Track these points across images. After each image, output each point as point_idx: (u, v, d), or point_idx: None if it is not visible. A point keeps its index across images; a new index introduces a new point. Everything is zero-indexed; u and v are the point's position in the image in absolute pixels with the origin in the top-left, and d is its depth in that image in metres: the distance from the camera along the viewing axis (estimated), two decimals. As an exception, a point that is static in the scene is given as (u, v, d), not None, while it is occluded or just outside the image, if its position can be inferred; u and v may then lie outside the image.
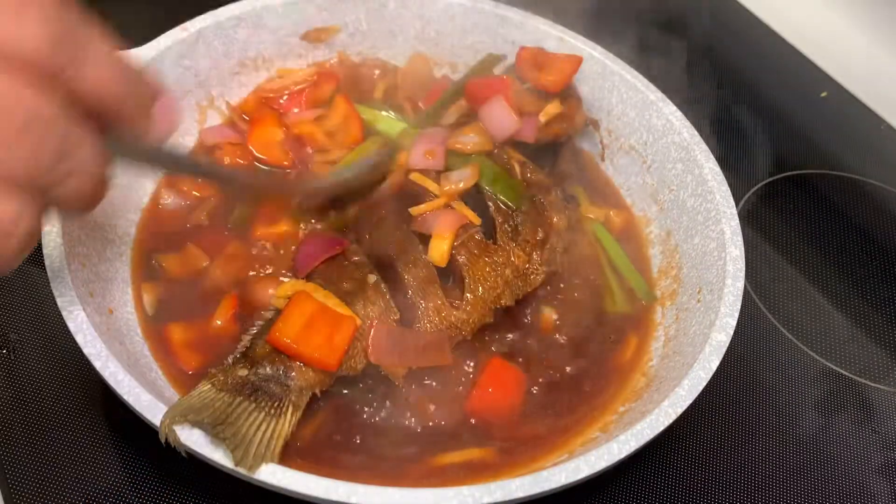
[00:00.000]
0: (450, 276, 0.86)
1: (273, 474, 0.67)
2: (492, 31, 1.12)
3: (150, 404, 0.69)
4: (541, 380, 0.88)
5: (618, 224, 1.05)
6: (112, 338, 0.78)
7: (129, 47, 0.96)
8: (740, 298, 0.85)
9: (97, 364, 0.72)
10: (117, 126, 0.57)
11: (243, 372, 0.75)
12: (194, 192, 0.99)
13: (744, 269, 0.88)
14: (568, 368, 0.90)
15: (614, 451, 0.72)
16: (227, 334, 0.85)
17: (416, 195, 0.90)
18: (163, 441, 0.68)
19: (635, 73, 1.07)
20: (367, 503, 0.66)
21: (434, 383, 0.84)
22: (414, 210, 0.88)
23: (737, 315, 0.84)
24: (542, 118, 1.01)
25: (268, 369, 0.76)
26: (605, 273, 0.99)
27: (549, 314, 0.92)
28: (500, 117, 0.96)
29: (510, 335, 0.90)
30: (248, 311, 0.86)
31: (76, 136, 0.54)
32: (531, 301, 0.92)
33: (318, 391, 0.78)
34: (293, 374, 0.76)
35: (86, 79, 0.54)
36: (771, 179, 1.21)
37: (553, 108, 1.01)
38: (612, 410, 0.87)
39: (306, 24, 1.11)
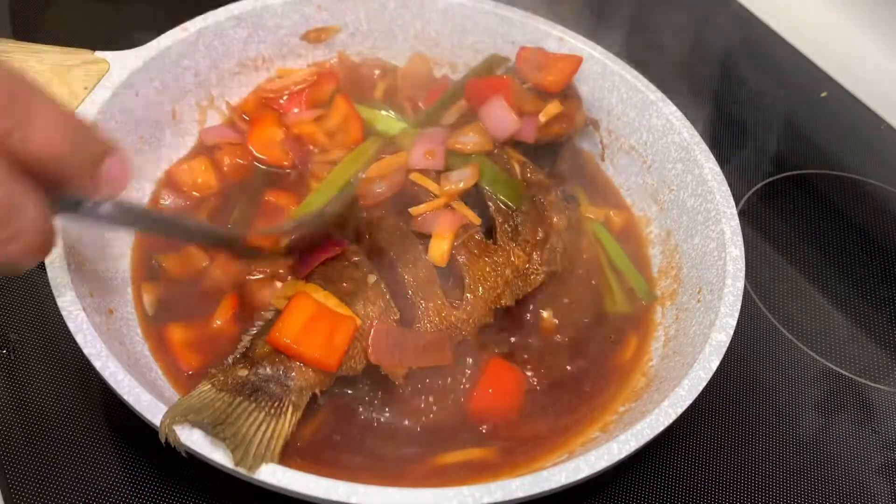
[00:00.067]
0: (450, 276, 0.86)
1: (273, 474, 0.67)
2: (492, 31, 1.13)
3: (150, 404, 0.69)
4: (541, 380, 0.88)
5: (618, 224, 1.05)
6: (112, 338, 0.78)
7: (130, 47, 0.97)
8: (740, 298, 0.85)
9: (97, 364, 0.72)
10: (65, 186, 0.57)
11: (243, 372, 0.75)
12: (194, 193, 0.99)
13: (744, 269, 0.88)
14: (568, 368, 0.90)
15: (614, 451, 0.72)
16: (227, 334, 0.85)
17: (416, 195, 0.90)
18: (163, 441, 0.68)
19: (635, 73, 1.07)
20: (367, 503, 0.66)
21: (434, 383, 0.84)
22: (414, 210, 0.88)
23: (737, 315, 0.84)
24: (542, 118, 1.01)
25: (268, 369, 0.76)
26: (605, 273, 0.99)
27: (549, 314, 0.92)
28: (500, 117, 0.96)
29: (510, 335, 0.90)
30: (248, 312, 0.86)
31: (20, 199, 0.53)
32: (531, 301, 0.92)
33: (318, 391, 0.78)
34: (293, 374, 0.76)
35: (31, 141, 0.53)
36: (771, 179, 1.21)
37: (553, 108, 1.01)
38: (612, 410, 0.87)
39: (306, 24, 1.11)
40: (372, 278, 0.84)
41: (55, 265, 0.77)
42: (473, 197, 0.90)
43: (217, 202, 0.98)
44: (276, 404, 0.74)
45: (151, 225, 0.72)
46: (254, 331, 0.80)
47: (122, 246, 0.92)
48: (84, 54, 0.95)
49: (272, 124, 1.04)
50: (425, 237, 0.86)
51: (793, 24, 1.45)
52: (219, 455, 0.67)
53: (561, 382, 0.89)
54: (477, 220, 0.89)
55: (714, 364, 0.79)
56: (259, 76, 1.11)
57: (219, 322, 0.86)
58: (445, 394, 0.84)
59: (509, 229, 0.90)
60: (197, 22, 1.02)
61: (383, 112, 1.07)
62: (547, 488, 0.69)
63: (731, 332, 0.82)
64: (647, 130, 1.06)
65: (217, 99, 1.08)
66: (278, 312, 0.79)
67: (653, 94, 1.05)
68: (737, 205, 0.94)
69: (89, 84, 0.92)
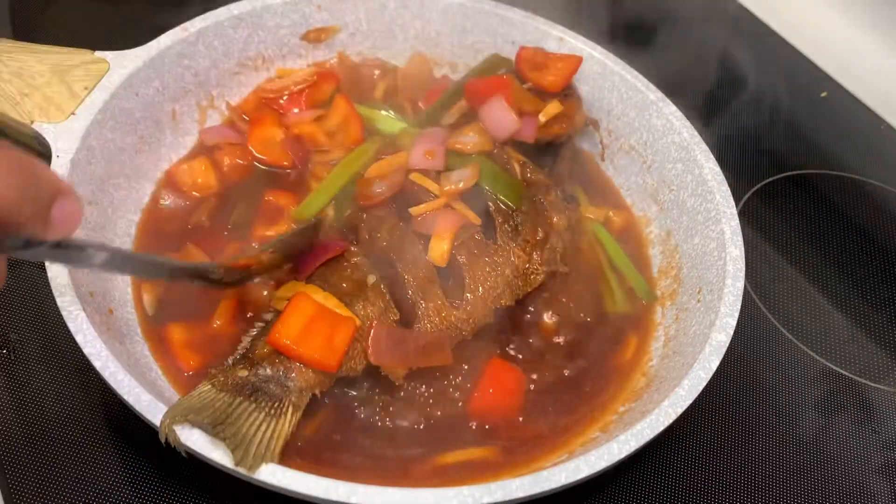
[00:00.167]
0: (450, 276, 0.86)
1: (273, 474, 0.67)
2: (492, 31, 1.13)
3: (150, 404, 0.69)
4: (541, 380, 0.88)
5: (618, 224, 1.05)
6: (112, 338, 0.78)
7: (130, 47, 0.97)
8: (740, 298, 0.85)
9: (97, 364, 0.72)
10: (14, 230, 0.55)
11: (243, 373, 0.75)
12: (194, 193, 0.99)
13: (744, 269, 0.88)
14: (568, 368, 0.90)
15: (614, 451, 0.72)
16: (227, 335, 0.85)
17: (416, 195, 0.90)
18: (163, 441, 0.68)
19: (635, 73, 1.07)
20: (367, 503, 0.66)
21: (434, 384, 0.84)
22: (414, 210, 0.88)
23: (737, 315, 0.84)
24: (542, 118, 1.01)
25: (268, 370, 0.76)
26: (605, 273, 0.99)
27: (549, 314, 0.92)
28: (500, 117, 0.96)
29: (510, 335, 0.90)
30: (248, 312, 0.86)
31: None
32: (531, 301, 0.92)
33: (318, 392, 0.78)
34: (293, 374, 0.76)
35: None
36: (771, 179, 1.21)
37: (553, 108, 1.01)
38: (612, 410, 0.87)
39: (306, 24, 1.11)
40: (372, 279, 0.84)
41: (55, 265, 0.77)
42: (473, 197, 0.90)
43: (217, 202, 0.98)
44: (276, 405, 0.74)
45: (103, 265, 0.67)
46: (254, 332, 0.81)
47: (122, 246, 0.92)
48: (84, 54, 0.95)
49: (272, 124, 1.04)
50: (425, 237, 0.86)
51: (793, 24, 1.46)
52: (219, 455, 0.67)
53: (561, 382, 0.89)
54: (477, 220, 0.89)
55: (714, 364, 0.79)
56: (259, 76, 1.11)
57: (219, 322, 0.86)
58: (445, 394, 0.84)
59: (509, 229, 0.90)
60: (197, 22, 1.02)
61: (383, 112, 1.07)
62: (547, 488, 0.69)
63: (731, 332, 0.82)
64: (647, 130, 1.06)
65: (217, 99, 1.08)
66: (278, 313, 0.79)
67: (653, 94, 1.05)
68: (737, 205, 0.94)
69: (89, 84, 0.92)
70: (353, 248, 0.87)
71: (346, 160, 0.98)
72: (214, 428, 0.69)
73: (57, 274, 0.76)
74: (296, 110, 1.05)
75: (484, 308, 0.86)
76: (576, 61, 1.04)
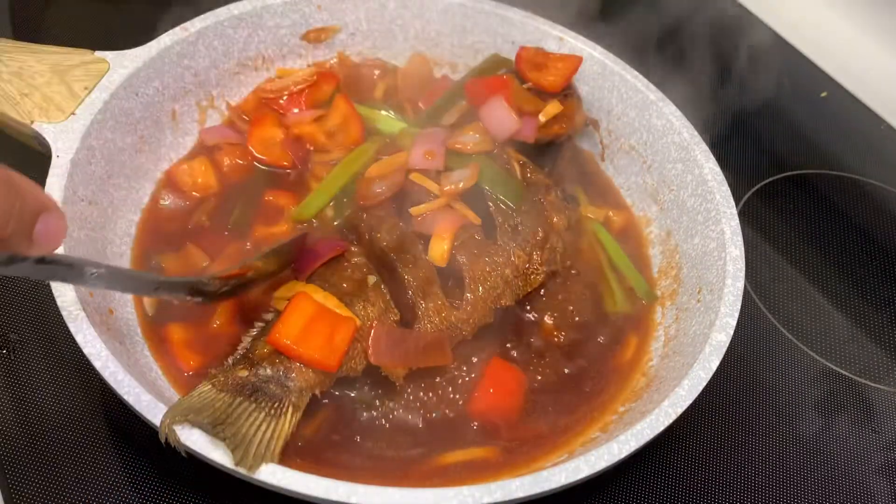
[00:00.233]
0: (450, 276, 0.86)
1: (273, 474, 0.67)
2: (492, 31, 1.13)
3: (150, 404, 0.69)
4: (541, 380, 0.88)
5: (618, 224, 1.05)
6: (112, 338, 0.78)
7: (130, 47, 0.97)
8: (740, 298, 0.85)
9: (97, 364, 0.72)
10: None
11: (243, 373, 0.75)
12: (194, 193, 0.99)
13: (744, 269, 0.88)
14: (568, 368, 0.90)
15: (614, 451, 0.72)
16: (227, 335, 0.85)
17: (416, 195, 0.90)
18: (163, 441, 0.68)
19: (635, 73, 1.07)
20: (367, 503, 0.66)
21: (434, 384, 0.84)
22: (414, 210, 0.88)
23: (737, 315, 0.84)
24: (542, 118, 1.01)
25: (268, 370, 0.76)
26: (605, 273, 0.99)
27: (549, 314, 0.92)
28: (500, 117, 0.96)
29: (510, 335, 0.90)
30: (248, 312, 0.86)
31: None
32: (531, 301, 0.92)
33: (318, 392, 0.78)
34: (293, 375, 0.76)
35: None
36: (771, 179, 1.21)
37: (553, 108, 1.01)
38: (612, 410, 0.87)
39: (306, 24, 1.11)
40: (372, 279, 0.84)
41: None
42: (473, 197, 0.90)
43: (217, 202, 0.98)
44: (276, 405, 0.74)
45: (91, 281, 0.68)
46: (254, 332, 0.81)
47: (121, 246, 0.92)
48: (84, 54, 0.95)
49: (272, 124, 1.04)
50: (425, 237, 0.86)
51: (793, 24, 1.45)
52: (219, 455, 0.67)
53: (561, 382, 0.89)
54: (477, 220, 0.89)
55: (714, 364, 0.79)
56: (259, 76, 1.11)
57: (218, 322, 0.86)
58: (445, 394, 0.84)
59: (509, 229, 0.90)
60: (197, 22, 1.02)
61: (383, 112, 1.07)
62: (547, 488, 0.69)
63: (731, 332, 0.82)
64: (647, 130, 1.06)
65: (217, 99, 1.08)
66: (278, 313, 0.79)
67: (653, 94, 1.05)
68: (737, 205, 0.94)
69: (89, 84, 0.92)
70: (353, 248, 0.87)
71: (346, 160, 0.98)
72: (214, 428, 0.68)
73: (57, 274, 0.76)
74: (296, 110, 1.05)
75: (484, 308, 0.86)
76: (576, 61, 1.04)
